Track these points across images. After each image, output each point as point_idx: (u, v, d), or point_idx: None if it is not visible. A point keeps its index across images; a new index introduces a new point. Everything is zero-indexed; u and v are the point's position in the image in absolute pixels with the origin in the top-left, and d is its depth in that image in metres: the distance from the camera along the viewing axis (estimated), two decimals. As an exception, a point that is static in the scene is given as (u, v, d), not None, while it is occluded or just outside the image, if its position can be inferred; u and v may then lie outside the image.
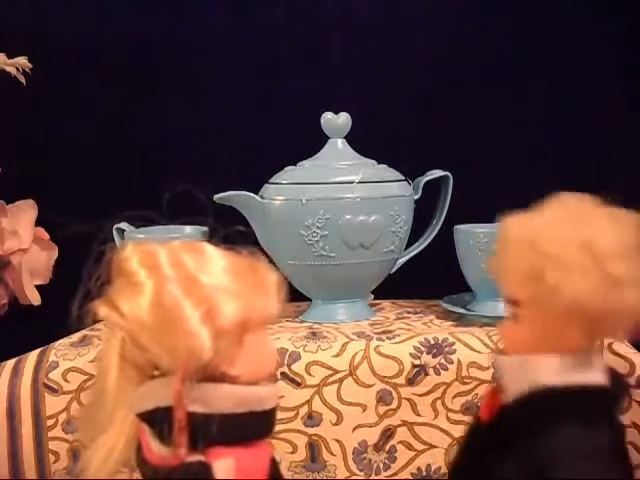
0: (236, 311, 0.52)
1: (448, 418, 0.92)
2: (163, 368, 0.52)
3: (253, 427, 0.53)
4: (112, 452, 0.53)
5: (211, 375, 0.52)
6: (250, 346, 0.53)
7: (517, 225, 0.57)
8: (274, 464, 0.56)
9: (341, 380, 0.92)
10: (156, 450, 0.52)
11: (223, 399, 0.52)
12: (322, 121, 1.09)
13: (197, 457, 0.51)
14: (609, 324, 0.55)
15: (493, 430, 0.57)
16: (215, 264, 0.54)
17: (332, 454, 0.92)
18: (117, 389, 0.53)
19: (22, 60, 1.08)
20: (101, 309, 0.53)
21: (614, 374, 0.58)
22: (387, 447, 0.92)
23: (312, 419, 0.92)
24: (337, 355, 0.93)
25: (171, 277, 0.52)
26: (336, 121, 1.08)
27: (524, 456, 0.54)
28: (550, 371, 0.55)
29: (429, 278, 1.15)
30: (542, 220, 0.56)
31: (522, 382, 0.56)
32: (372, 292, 1.12)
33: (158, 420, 0.51)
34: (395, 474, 0.92)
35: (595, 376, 0.56)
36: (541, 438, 0.54)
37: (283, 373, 0.92)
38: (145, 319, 0.51)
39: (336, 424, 0.92)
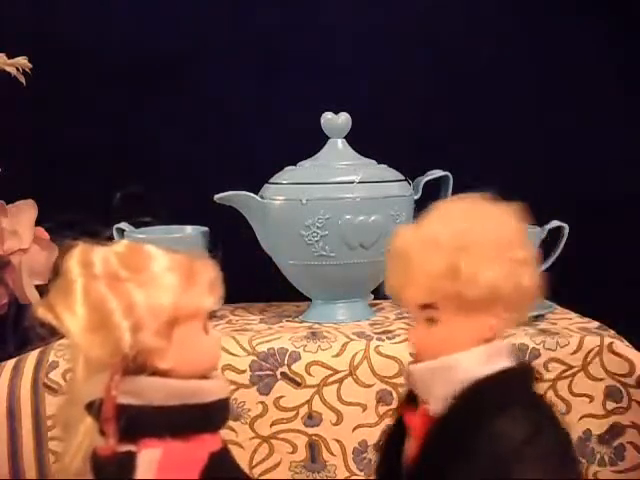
0: (159, 305, 0.53)
1: (448, 418, 0.91)
2: (97, 363, 0.54)
3: (188, 420, 0.54)
4: (80, 447, 0.55)
5: (144, 368, 0.54)
6: (181, 340, 0.55)
7: (411, 233, 0.59)
8: (219, 459, 0.55)
9: (341, 380, 0.92)
10: (98, 441, 0.54)
11: (155, 391, 0.54)
12: (322, 121, 1.09)
13: (127, 447, 0.53)
14: (518, 305, 0.58)
15: (437, 445, 0.57)
16: (148, 263, 0.55)
17: (332, 454, 0.93)
18: (83, 387, 0.55)
19: (22, 60, 1.08)
20: (39, 310, 0.55)
21: (517, 355, 0.62)
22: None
23: (312, 419, 0.92)
24: (337, 355, 0.93)
25: (99, 275, 0.54)
26: (336, 121, 1.08)
27: (484, 455, 0.54)
28: (474, 365, 0.57)
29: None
30: (438, 222, 0.59)
31: (448, 384, 0.57)
32: (372, 292, 1.12)
33: (95, 412, 0.54)
34: (395, 474, 0.92)
35: (510, 360, 0.59)
36: (493, 431, 0.54)
37: (283, 373, 0.92)
38: (76, 317, 0.53)
39: (336, 424, 0.92)
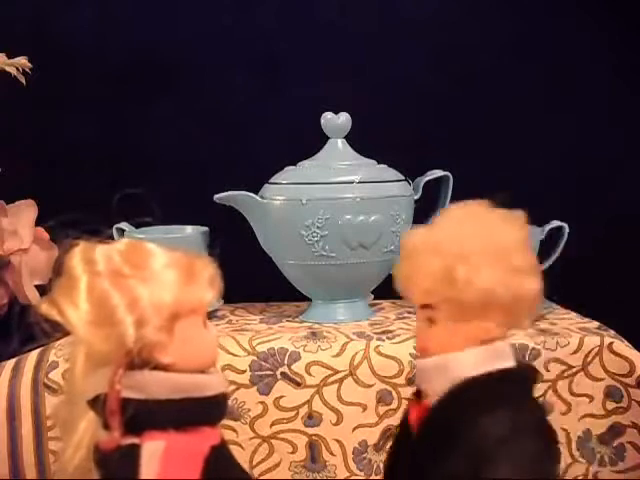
0: (162, 300, 0.55)
1: (448, 418, 0.92)
2: (100, 358, 0.55)
3: (190, 413, 0.55)
4: (80, 444, 0.56)
5: (147, 363, 0.55)
6: (182, 334, 0.56)
7: (420, 235, 0.61)
8: (220, 452, 0.57)
9: (341, 380, 0.92)
10: (101, 435, 0.55)
11: (158, 385, 0.55)
12: (322, 121, 1.09)
13: (131, 440, 0.54)
14: (516, 312, 0.60)
15: (425, 435, 0.59)
16: (149, 260, 0.56)
17: (332, 454, 0.93)
18: (84, 383, 0.56)
19: (22, 60, 1.08)
20: (43, 306, 0.56)
21: (521, 360, 0.64)
22: (387, 447, 0.92)
23: (312, 419, 0.92)
24: (337, 355, 0.93)
25: (102, 271, 0.55)
26: (336, 121, 1.08)
27: (462, 450, 0.56)
28: (469, 364, 0.59)
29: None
30: (443, 227, 0.61)
31: (445, 381, 0.59)
32: (372, 292, 1.12)
33: (100, 406, 0.55)
34: (395, 474, 0.92)
35: (508, 363, 0.60)
36: (474, 428, 0.56)
37: (283, 373, 0.92)
38: (80, 312, 0.54)
39: (336, 424, 0.92)
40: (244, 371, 0.92)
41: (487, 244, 0.58)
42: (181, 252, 0.58)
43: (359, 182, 1.02)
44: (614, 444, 0.93)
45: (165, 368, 0.55)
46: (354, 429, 0.92)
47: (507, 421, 0.56)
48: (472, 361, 0.59)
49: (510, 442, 0.55)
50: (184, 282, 0.56)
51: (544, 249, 1.09)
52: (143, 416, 0.54)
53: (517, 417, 0.57)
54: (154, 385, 0.55)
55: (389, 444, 0.91)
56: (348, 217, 1.01)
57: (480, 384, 0.58)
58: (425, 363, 0.61)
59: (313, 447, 0.92)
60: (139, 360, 0.55)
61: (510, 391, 0.59)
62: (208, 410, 0.57)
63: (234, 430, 0.91)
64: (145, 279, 0.55)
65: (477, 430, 0.56)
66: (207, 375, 0.58)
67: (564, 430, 0.93)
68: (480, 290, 0.57)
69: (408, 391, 0.92)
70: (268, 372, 0.92)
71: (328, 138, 1.10)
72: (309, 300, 1.10)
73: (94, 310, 0.54)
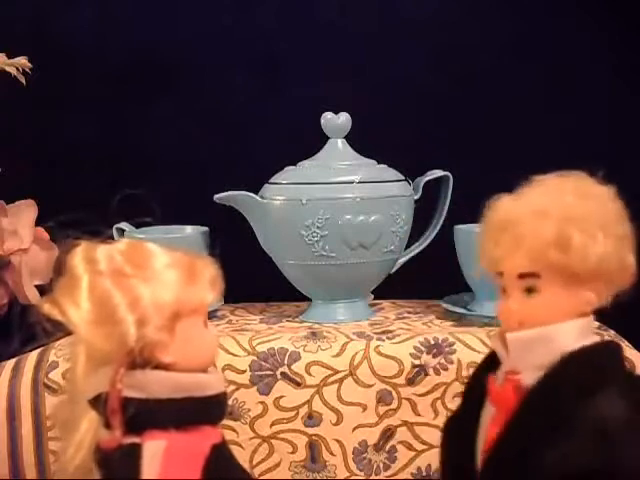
0: (163, 300, 0.55)
1: (448, 418, 0.92)
2: (102, 357, 0.55)
3: (191, 412, 0.56)
4: (82, 444, 0.56)
5: (148, 362, 0.55)
6: (183, 334, 0.56)
7: (517, 202, 0.58)
8: (221, 451, 0.57)
9: (341, 380, 0.92)
10: (102, 435, 0.56)
11: (159, 385, 0.55)
12: (322, 121, 1.09)
13: (132, 439, 0.54)
14: (617, 283, 0.58)
15: (529, 415, 0.56)
16: (151, 259, 0.57)
17: (332, 454, 0.93)
18: (85, 383, 0.56)
19: (22, 60, 1.08)
20: (44, 306, 0.56)
21: None
22: (387, 447, 0.92)
23: (312, 419, 0.92)
24: (337, 355, 0.93)
25: (104, 271, 0.55)
26: (336, 121, 1.08)
27: (578, 431, 0.53)
28: (572, 337, 0.56)
29: (429, 278, 1.15)
30: (546, 195, 0.58)
31: (545, 354, 0.56)
32: (372, 292, 1.12)
33: (101, 406, 0.55)
34: (395, 474, 0.92)
35: (596, 336, 0.58)
36: (591, 408, 0.53)
37: (283, 373, 0.92)
38: (81, 311, 0.54)
39: (336, 424, 0.92)
40: (244, 371, 0.92)
41: (595, 211, 0.57)
42: (182, 252, 0.58)
43: (359, 182, 1.02)
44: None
45: (166, 367, 0.56)
46: (354, 429, 0.92)
47: (624, 399, 0.54)
48: (573, 334, 0.56)
49: (633, 421, 0.53)
50: (185, 282, 0.56)
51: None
52: (144, 415, 0.54)
53: (630, 393, 0.55)
54: (155, 384, 0.55)
55: (389, 444, 0.92)
56: (348, 217, 1.01)
57: (588, 359, 0.56)
58: (520, 336, 0.57)
59: (313, 447, 0.92)
60: (140, 359, 0.55)
61: (615, 365, 0.57)
62: (209, 409, 0.57)
63: (234, 430, 0.91)
64: (147, 279, 0.55)
65: (595, 408, 0.53)
66: (207, 375, 0.58)
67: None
68: (595, 258, 0.55)
69: (408, 391, 0.92)
70: (268, 372, 0.92)
71: (328, 138, 1.10)
72: (309, 300, 1.10)
73: (95, 309, 0.54)
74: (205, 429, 0.56)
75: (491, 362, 0.61)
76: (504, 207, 0.59)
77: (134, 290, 0.54)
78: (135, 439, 0.54)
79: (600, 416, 0.53)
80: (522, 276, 0.57)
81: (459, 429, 0.63)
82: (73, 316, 0.54)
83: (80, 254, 0.56)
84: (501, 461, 0.57)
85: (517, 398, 0.56)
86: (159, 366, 0.55)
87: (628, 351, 0.93)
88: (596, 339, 0.58)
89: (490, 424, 0.59)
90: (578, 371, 0.55)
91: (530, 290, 0.57)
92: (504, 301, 0.59)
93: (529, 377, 0.56)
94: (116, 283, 0.55)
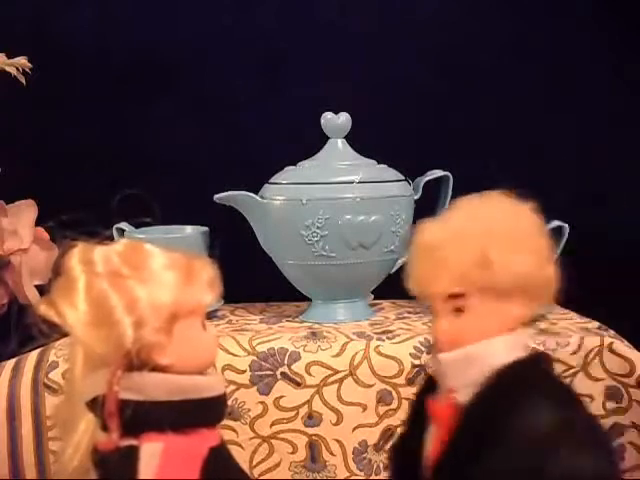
0: (160, 301, 0.54)
1: (448, 418, 0.91)
2: (99, 359, 0.55)
3: (189, 414, 0.55)
4: (80, 445, 0.56)
5: (145, 364, 0.55)
6: (181, 336, 0.56)
7: (439, 227, 0.60)
8: (219, 453, 0.57)
9: (341, 380, 0.92)
10: (100, 436, 0.56)
11: (156, 387, 0.55)
12: (322, 121, 1.09)
13: (129, 441, 0.54)
14: (543, 296, 0.60)
15: (465, 432, 0.57)
16: (148, 261, 0.56)
17: (332, 454, 0.93)
18: (83, 384, 0.56)
19: (22, 60, 1.08)
20: (41, 307, 0.56)
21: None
22: (387, 447, 0.92)
23: (312, 419, 0.92)
24: (337, 355, 0.93)
25: (101, 272, 0.55)
26: (336, 121, 1.08)
27: (512, 443, 0.54)
28: (502, 352, 0.58)
29: (429, 278, 1.14)
30: (462, 216, 0.60)
31: (478, 371, 0.57)
32: (372, 292, 1.12)
33: (98, 408, 0.55)
34: (395, 474, 0.92)
35: (529, 347, 0.60)
36: (523, 418, 0.55)
37: (283, 373, 0.92)
38: (78, 313, 0.54)
39: (336, 424, 0.92)
40: (244, 371, 0.92)
41: (513, 228, 0.58)
42: (180, 253, 0.58)
43: (359, 182, 1.02)
44: (614, 444, 0.93)
45: (163, 369, 0.55)
46: (354, 429, 0.92)
47: (558, 405, 0.55)
48: (503, 350, 0.58)
49: (567, 424, 0.55)
50: (183, 283, 0.56)
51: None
52: (141, 417, 0.54)
53: (562, 398, 0.57)
54: (152, 386, 0.55)
55: (389, 444, 0.92)
56: (348, 217, 1.01)
57: (516, 373, 0.57)
58: (452, 356, 0.59)
59: (313, 447, 0.92)
60: (137, 361, 0.54)
61: (545, 375, 0.59)
62: (207, 412, 0.57)
63: (234, 430, 0.91)
64: (144, 280, 0.55)
65: (531, 419, 0.54)
66: (206, 377, 0.58)
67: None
68: (517, 273, 0.57)
69: (408, 391, 0.92)
70: (268, 372, 0.92)
71: (328, 138, 1.10)
72: (309, 300, 1.10)
73: (92, 311, 0.54)
74: (203, 431, 0.56)
75: (432, 383, 0.62)
76: (428, 231, 0.60)
77: (131, 292, 0.54)
78: (132, 441, 0.54)
79: (531, 423, 0.54)
80: (449, 297, 0.59)
81: (404, 448, 0.64)
82: (70, 318, 0.54)
83: (77, 255, 0.56)
84: (441, 477, 0.58)
85: (453, 415, 0.58)
86: (156, 368, 0.55)
87: (628, 351, 0.93)
88: (526, 352, 0.59)
89: (432, 442, 0.60)
90: (506, 385, 0.57)
91: (458, 310, 0.59)
92: (435, 322, 0.60)
93: (464, 394, 0.58)
94: (113, 285, 0.54)
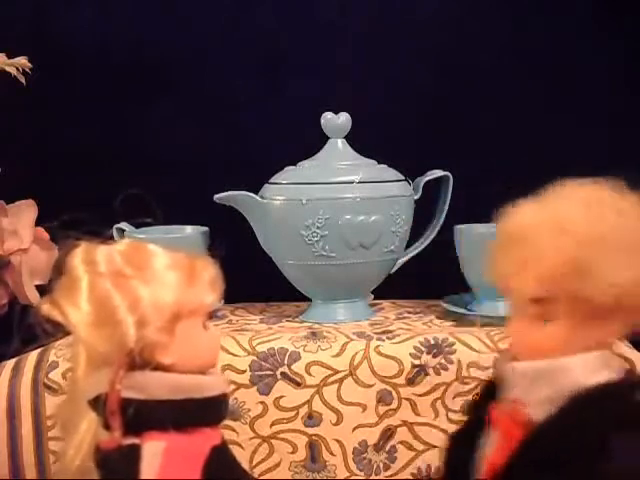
0: (163, 301, 0.55)
1: (448, 418, 0.91)
2: (102, 358, 0.55)
3: (191, 413, 0.56)
4: (82, 444, 0.56)
5: (148, 363, 0.55)
6: (183, 335, 0.56)
7: (538, 213, 0.51)
8: (221, 452, 0.57)
9: (341, 380, 0.92)
10: (102, 435, 0.56)
11: (158, 386, 0.55)
12: (322, 121, 1.09)
13: (132, 440, 0.55)
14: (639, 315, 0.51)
15: (534, 451, 0.51)
16: (151, 261, 0.57)
17: (332, 454, 0.93)
18: (85, 383, 0.56)
19: (22, 60, 1.08)
20: (44, 307, 0.56)
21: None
22: (387, 447, 0.92)
23: (312, 419, 0.92)
24: (337, 355, 0.93)
25: (104, 272, 0.55)
26: (336, 121, 1.08)
27: (591, 469, 0.48)
28: (588, 372, 0.51)
29: (429, 278, 1.15)
30: (565, 205, 0.50)
31: (552, 389, 0.51)
32: (372, 292, 1.12)
33: (100, 407, 0.55)
34: (395, 474, 0.92)
35: (615, 372, 0.53)
36: (606, 446, 0.48)
37: (283, 373, 0.92)
38: (81, 313, 0.54)
39: (336, 424, 0.92)
40: (244, 371, 0.92)
41: (626, 231, 0.49)
42: (182, 253, 0.58)
43: (359, 182, 1.02)
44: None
45: (166, 369, 0.56)
46: (354, 429, 0.92)
47: (637, 448, 0.48)
48: (590, 368, 0.51)
49: None
50: (185, 283, 0.56)
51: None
52: (144, 416, 0.54)
53: None
54: (155, 386, 0.55)
55: (389, 444, 0.92)
56: (348, 217, 1.01)
57: (606, 397, 0.50)
58: (527, 367, 0.52)
59: (313, 447, 0.92)
60: (140, 360, 0.55)
61: (631, 407, 0.51)
62: (208, 411, 0.57)
63: (234, 430, 0.91)
64: (146, 280, 0.55)
65: (607, 452, 0.48)
66: (208, 376, 0.58)
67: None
68: (616, 288, 0.48)
69: (408, 391, 0.92)
70: (268, 372, 0.92)
71: (328, 138, 1.10)
72: (309, 300, 1.10)
73: (95, 311, 0.54)
74: (205, 430, 0.56)
75: (493, 388, 0.56)
76: (521, 216, 0.51)
77: (134, 291, 0.54)
78: (135, 440, 0.55)
79: (610, 463, 0.48)
80: (534, 301, 0.51)
81: (460, 447, 0.59)
82: (73, 317, 0.55)
83: (80, 255, 0.57)
84: None
85: (523, 431, 0.52)
86: (158, 367, 0.56)
87: (628, 351, 0.93)
88: (612, 374, 0.52)
89: (492, 450, 0.55)
90: (590, 413, 0.50)
91: (542, 317, 0.51)
92: (515, 322, 0.53)
93: (537, 411, 0.51)
94: (116, 284, 0.55)
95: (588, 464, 0.48)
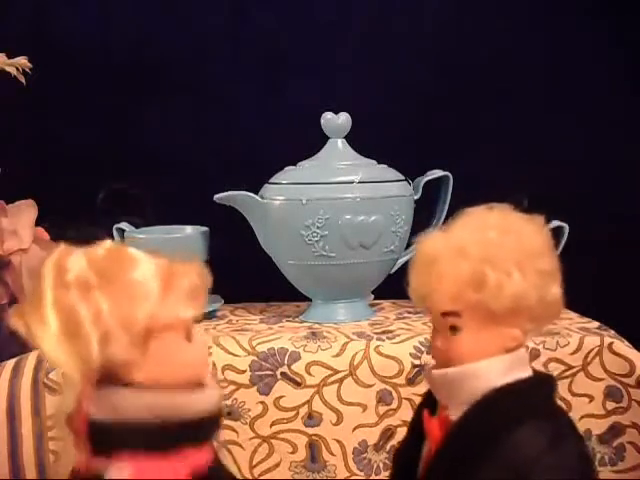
0: (131, 315, 0.50)
1: (448, 418, 0.92)
2: (69, 375, 0.51)
3: (166, 435, 0.52)
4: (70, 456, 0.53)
5: (119, 380, 0.51)
6: (159, 351, 0.52)
7: (440, 239, 0.59)
8: (208, 474, 0.53)
9: (341, 380, 0.92)
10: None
11: (131, 405, 0.51)
12: (322, 121, 1.09)
13: (100, 462, 0.51)
14: (542, 318, 0.59)
15: (451, 450, 0.57)
16: (124, 270, 0.52)
17: (332, 454, 0.93)
18: (64, 397, 0.52)
19: (22, 60, 1.08)
20: (12, 318, 0.52)
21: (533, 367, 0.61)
22: (387, 447, 0.92)
23: (312, 419, 0.92)
24: (337, 355, 0.93)
25: (71, 282, 0.51)
26: (336, 121, 1.08)
27: (495, 464, 0.55)
28: (496, 374, 0.57)
29: (429, 278, 1.15)
30: (465, 230, 0.59)
31: (470, 392, 0.57)
32: (372, 292, 1.12)
33: (70, 425, 0.52)
34: (395, 474, 0.92)
35: (528, 371, 0.59)
36: (509, 441, 0.55)
37: (283, 373, 0.92)
38: (45, 326, 0.50)
39: (336, 424, 0.92)
40: (244, 371, 0.92)
41: (514, 248, 0.57)
42: (165, 260, 0.54)
43: (359, 182, 1.02)
44: (614, 444, 0.93)
45: (139, 385, 0.52)
46: (354, 429, 0.92)
47: (544, 431, 0.55)
48: (499, 370, 0.57)
49: (553, 451, 0.54)
50: (160, 295, 0.52)
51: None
52: (113, 438, 0.51)
53: (552, 426, 0.56)
54: (126, 405, 0.51)
55: (389, 444, 0.92)
56: (348, 217, 1.01)
57: (510, 394, 0.57)
58: (447, 374, 0.58)
59: (313, 447, 0.92)
60: (110, 377, 0.51)
61: (538, 400, 0.58)
62: (189, 431, 0.52)
63: (234, 430, 0.91)
64: (113, 291, 0.51)
65: (515, 443, 0.54)
66: (190, 394, 0.53)
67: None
68: (511, 296, 0.56)
69: (408, 391, 0.92)
70: (268, 372, 0.92)
71: (328, 138, 1.10)
72: (309, 300, 1.10)
73: (59, 324, 0.50)
74: (187, 452, 0.52)
75: (432, 396, 0.62)
76: (429, 243, 0.59)
77: (99, 304, 0.50)
78: (103, 462, 0.51)
79: (515, 446, 0.54)
80: (445, 314, 0.58)
81: (404, 456, 0.64)
82: (37, 331, 0.50)
83: (51, 262, 0.52)
84: None
85: (443, 431, 0.58)
86: (132, 384, 0.52)
87: (628, 351, 0.93)
88: (525, 373, 0.59)
89: (425, 456, 0.60)
90: (499, 406, 0.56)
91: (453, 328, 0.58)
92: (433, 335, 0.60)
93: (455, 412, 0.58)
94: (82, 296, 0.50)
95: (497, 456, 0.55)
